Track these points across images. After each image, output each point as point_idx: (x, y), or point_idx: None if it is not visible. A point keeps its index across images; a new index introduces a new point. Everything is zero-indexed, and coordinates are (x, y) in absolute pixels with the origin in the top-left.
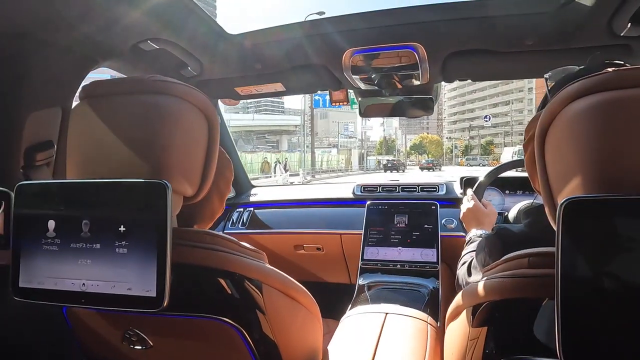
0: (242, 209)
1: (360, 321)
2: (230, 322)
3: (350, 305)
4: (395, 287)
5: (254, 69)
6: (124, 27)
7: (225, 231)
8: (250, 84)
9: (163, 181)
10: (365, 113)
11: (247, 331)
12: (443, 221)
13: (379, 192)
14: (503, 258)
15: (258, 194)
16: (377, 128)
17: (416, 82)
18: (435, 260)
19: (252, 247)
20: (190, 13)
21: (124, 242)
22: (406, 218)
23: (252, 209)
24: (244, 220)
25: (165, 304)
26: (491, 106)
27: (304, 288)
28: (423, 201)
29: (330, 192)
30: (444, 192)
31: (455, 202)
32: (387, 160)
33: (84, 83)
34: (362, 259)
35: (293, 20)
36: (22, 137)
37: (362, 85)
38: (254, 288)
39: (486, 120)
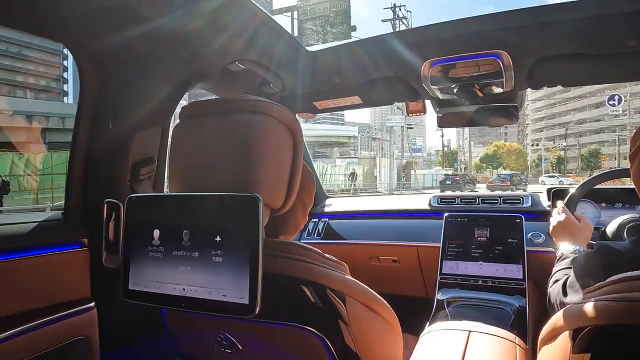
0: (317, 220)
1: (442, 338)
2: (314, 331)
3: (429, 321)
4: (477, 304)
5: (332, 84)
6: (217, 50)
7: (301, 241)
8: (328, 97)
9: (255, 195)
10: (443, 123)
11: (330, 341)
12: (529, 235)
13: (457, 203)
14: (610, 279)
15: (332, 205)
16: (433, 134)
17: (499, 90)
18: (521, 277)
19: (336, 259)
20: (274, 33)
21: (219, 251)
22: (488, 231)
23: (326, 219)
24: (319, 231)
25: (257, 311)
26: (592, 107)
27: (384, 301)
28: (506, 214)
29: (405, 203)
30: (529, 204)
31: (542, 215)
32: (446, 175)
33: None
34: (441, 273)
35: None
36: (129, 154)
37: (441, 95)
38: (337, 299)
39: (612, 104)
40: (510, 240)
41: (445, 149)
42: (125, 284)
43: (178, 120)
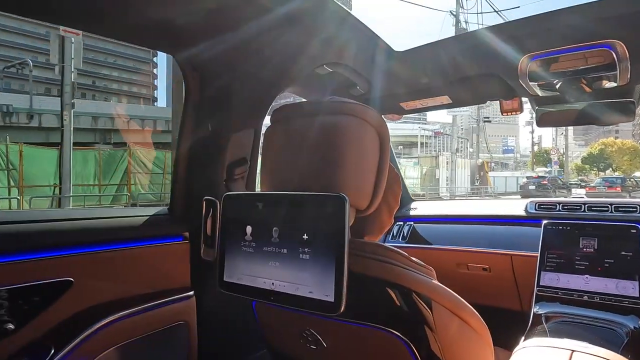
0: (402, 223)
1: (539, 356)
2: (399, 335)
3: (524, 336)
4: (581, 322)
5: (420, 84)
6: (306, 55)
7: (386, 244)
8: (415, 98)
9: (342, 194)
10: (542, 122)
11: (416, 346)
12: None
13: (558, 210)
14: None
15: (418, 208)
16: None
17: (611, 85)
18: (637, 295)
19: (422, 263)
20: (362, 35)
21: (306, 249)
22: (595, 242)
23: (412, 222)
24: (404, 234)
25: (342, 309)
26: None
27: (474, 310)
28: (619, 223)
29: (498, 208)
30: None
31: None
32: (529, 178)
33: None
34: (538, 285)
35: None
36: (226, 155)
37: (540, 92)
38: (423, 304)
39: None
40: (623, 253)
41: (536, 147)
42: (220, 275)
43: (269, 123)
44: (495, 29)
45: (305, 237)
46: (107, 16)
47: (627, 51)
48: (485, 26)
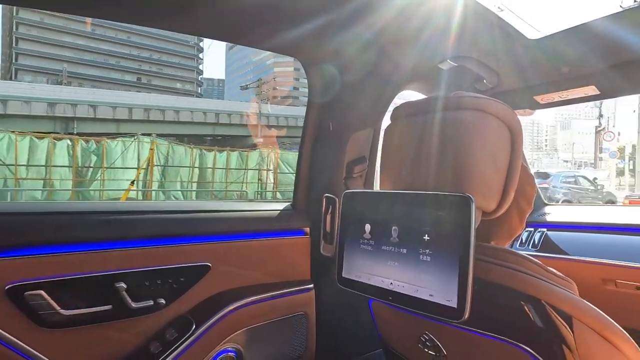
0: (532, 229)
1: None
2: (530, 351)
3: None
4: None
5: (560, 74)
6: (428, 50)
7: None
8: (552, 90)
9: (467, 195)
10: None
11: None
12: None
13: None
14: None
15: (552, 213)
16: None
17: None
18: None
19: (561, 275)
20: (490, 26)
21: (427, 250)
22: None
23: (544, 229)
24: (535, 242)
25: (466, 317)
26: None
27: (628, 335)
28: None
29: None
30: None
31: None
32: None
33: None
34: None
35: None
36: (346, 154)
37: None
38: (562, 320)
39: None
40: None
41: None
42: (339, 271)
43: (389, 121)
44: None
45: (426, 237)
46: (240, 24)
47: None
48: None
